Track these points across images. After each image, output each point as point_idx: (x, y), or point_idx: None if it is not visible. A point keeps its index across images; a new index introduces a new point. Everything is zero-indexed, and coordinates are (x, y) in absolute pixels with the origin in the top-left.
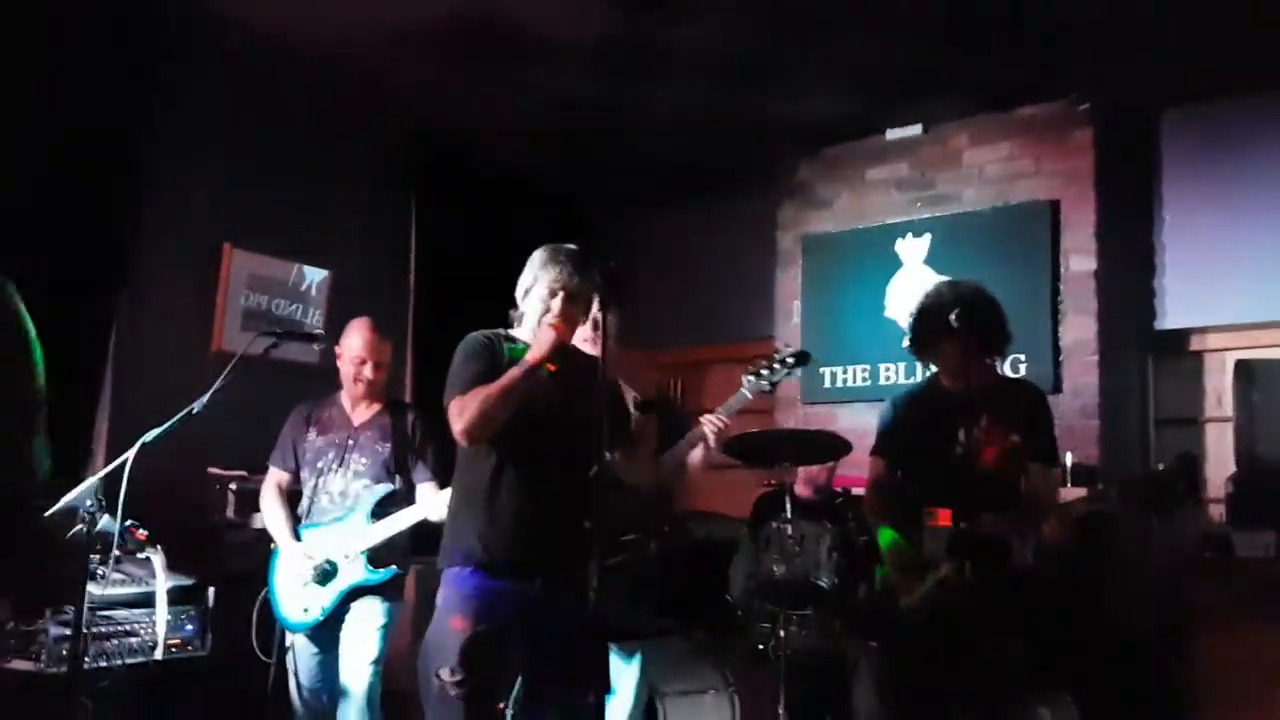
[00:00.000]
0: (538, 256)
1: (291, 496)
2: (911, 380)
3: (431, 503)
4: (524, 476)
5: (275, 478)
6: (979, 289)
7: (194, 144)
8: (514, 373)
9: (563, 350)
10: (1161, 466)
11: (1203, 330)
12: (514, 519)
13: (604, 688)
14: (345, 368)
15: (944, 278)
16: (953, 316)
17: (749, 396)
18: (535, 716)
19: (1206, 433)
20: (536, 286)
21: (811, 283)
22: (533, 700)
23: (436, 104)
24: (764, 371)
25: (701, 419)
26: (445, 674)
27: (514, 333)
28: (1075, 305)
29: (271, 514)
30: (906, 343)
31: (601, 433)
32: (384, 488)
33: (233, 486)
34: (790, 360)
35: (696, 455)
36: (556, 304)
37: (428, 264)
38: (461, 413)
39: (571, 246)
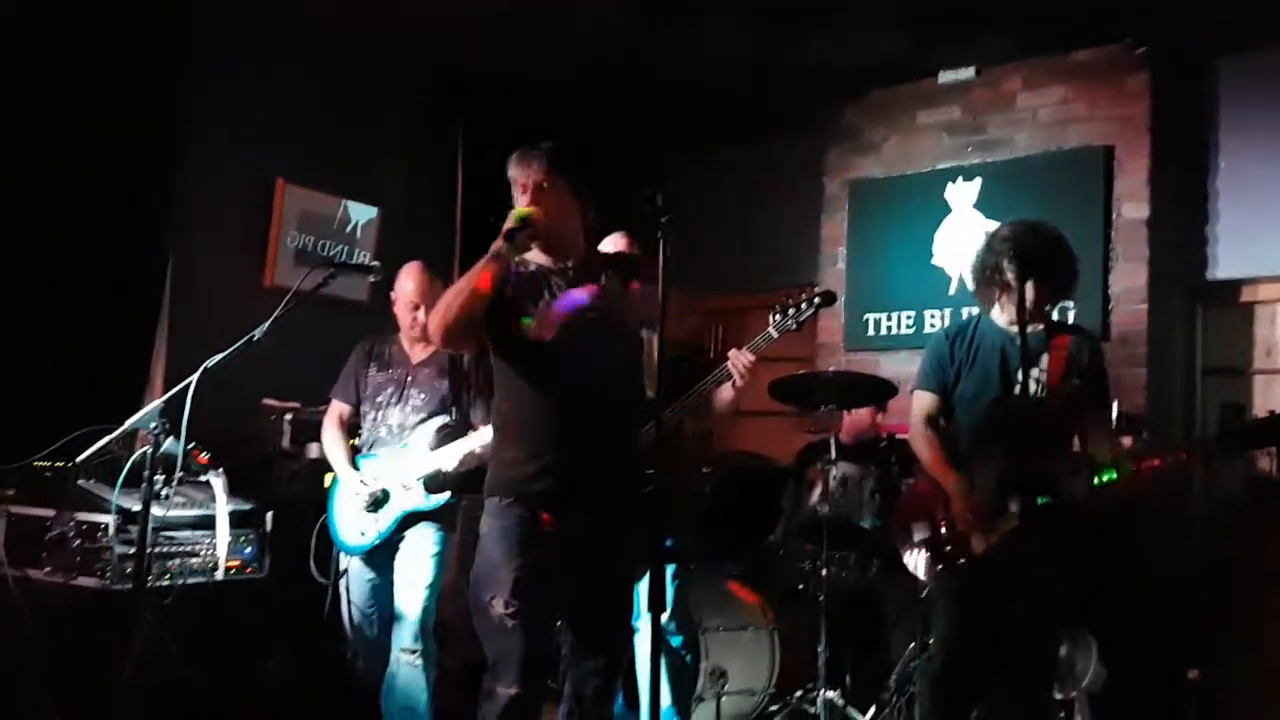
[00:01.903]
0: None
1: (353, 429)
2: None
3: (486, 436)
4: (559, 407)
5: (337, 410)
6: (1052, 230)
7: (247, 80)
8: (477, 266)
9: (515, 230)
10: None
11: (1254, 281)
12: (550, 451)
13: (659, 608)
14: (401, 312)
15: (992, 224)
16: (1018, 256)
17: (775, 335)
18: (580, 647)
19: (1254, 384)
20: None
21: (857, 228)
22: (578, 631)
23: (483, 42)
24: (790, 310)
25: (729, 355)
26: (499, 605)
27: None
28: (1126, 252)
29: (332, 444)
30: (971, 283)
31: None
32: (440, 419)
33: (288, 417)
34: (817, 299)
35: (725, 393)
36: (517, 196)
37: (475, 202)
38: (434, 316)
39: (542, 144)
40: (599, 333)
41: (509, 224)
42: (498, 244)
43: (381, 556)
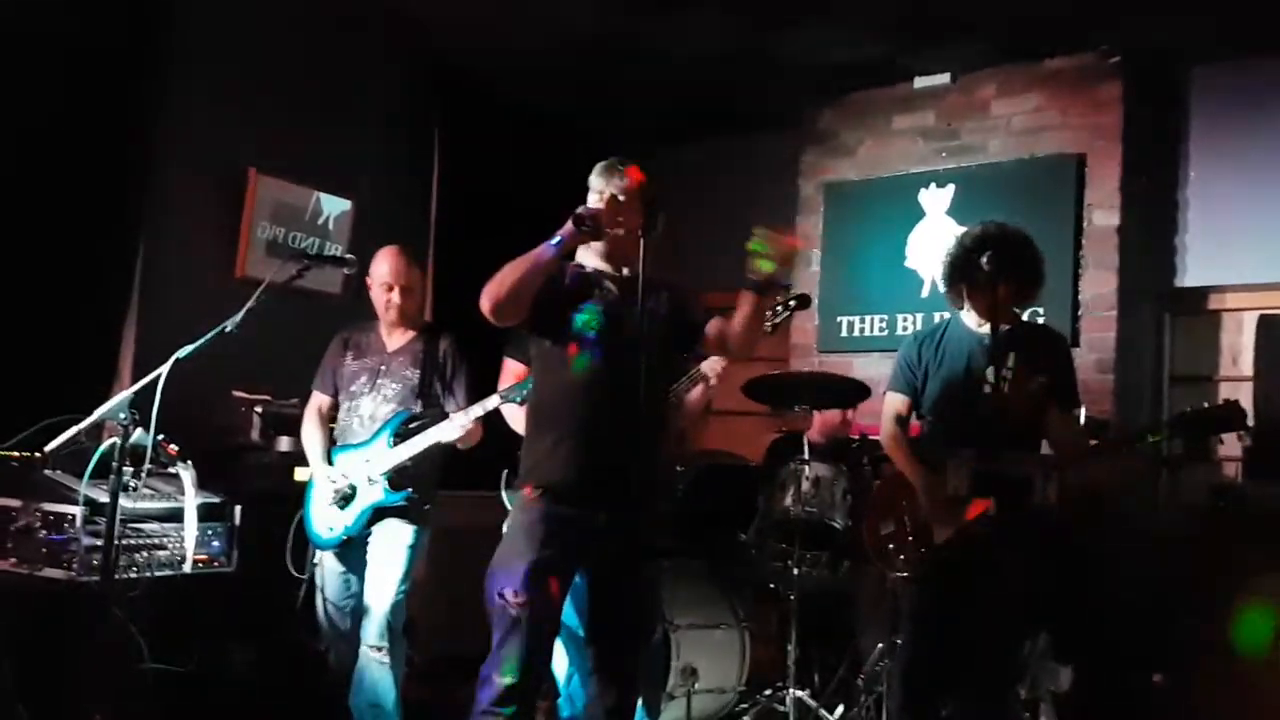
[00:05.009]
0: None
1: (335, 420)
2: None
3: (452, 429)
4: (592, 405)
5: (317, 401)
6: (1022, 233)
7: (221, 69)
8: (540, 247)
9: (583, 217)
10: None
11: (1221, 289)
12: (581, 448)
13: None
14: (375, 295)
15: (964, 228)
16: (990, 257)
17: None
18: (596, 641)
19: (1220, 391)
20: (590, 195)
21: (832, 231)
22: (595, 626)
23: (461, 36)
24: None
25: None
26: (509, 594)
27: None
28: (1096, 260)
29: (308, 436)
30: (942, 283)
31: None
32: (404, 412)
33: (258, 410)
34: (792, 302)
35: (696, 394)
36: (593, 199)
37: (449, 196)
38: (488, 286)
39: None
40: (638, 341)
41: (580, 210)
42: (566, 228)
43: (353, 551)
